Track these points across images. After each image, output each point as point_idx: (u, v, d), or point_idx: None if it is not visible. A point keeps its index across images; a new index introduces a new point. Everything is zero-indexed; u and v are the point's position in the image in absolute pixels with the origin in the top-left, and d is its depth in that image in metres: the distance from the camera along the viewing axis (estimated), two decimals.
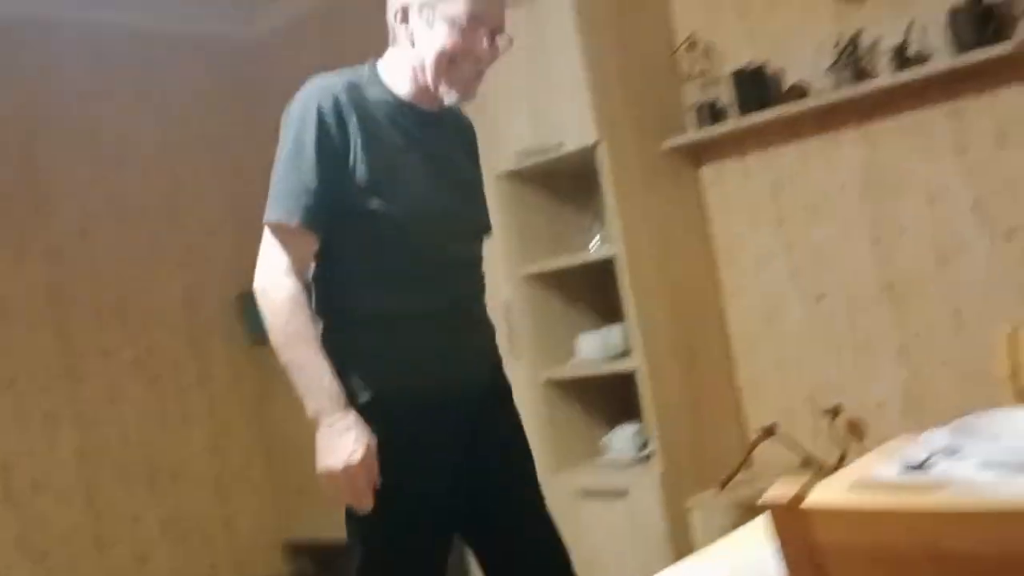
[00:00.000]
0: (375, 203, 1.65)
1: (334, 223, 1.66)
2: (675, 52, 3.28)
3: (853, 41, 2.86)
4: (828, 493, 0.72)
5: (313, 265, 1.72)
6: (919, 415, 2.95)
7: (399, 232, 1.67)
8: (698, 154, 3.31)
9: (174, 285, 4.31)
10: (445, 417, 1.73)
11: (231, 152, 4.54)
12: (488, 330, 1.91)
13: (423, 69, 1.69)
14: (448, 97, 1.70)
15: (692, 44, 3.23)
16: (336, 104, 1.65)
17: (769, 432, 3.06)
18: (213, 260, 4.44)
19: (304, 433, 4.16)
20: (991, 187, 2.76)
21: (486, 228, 1.92)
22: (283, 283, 1.64)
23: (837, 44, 2.88)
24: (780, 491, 0.75)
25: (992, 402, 1.55)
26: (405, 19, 1.70)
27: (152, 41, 4.31)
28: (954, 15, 2.68)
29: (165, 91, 4.38)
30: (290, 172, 1.65)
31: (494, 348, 1.92)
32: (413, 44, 1.69)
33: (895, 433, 3.00)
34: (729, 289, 3.32)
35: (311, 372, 1.62)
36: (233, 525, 4.29)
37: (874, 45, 2.86)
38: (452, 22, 1.64)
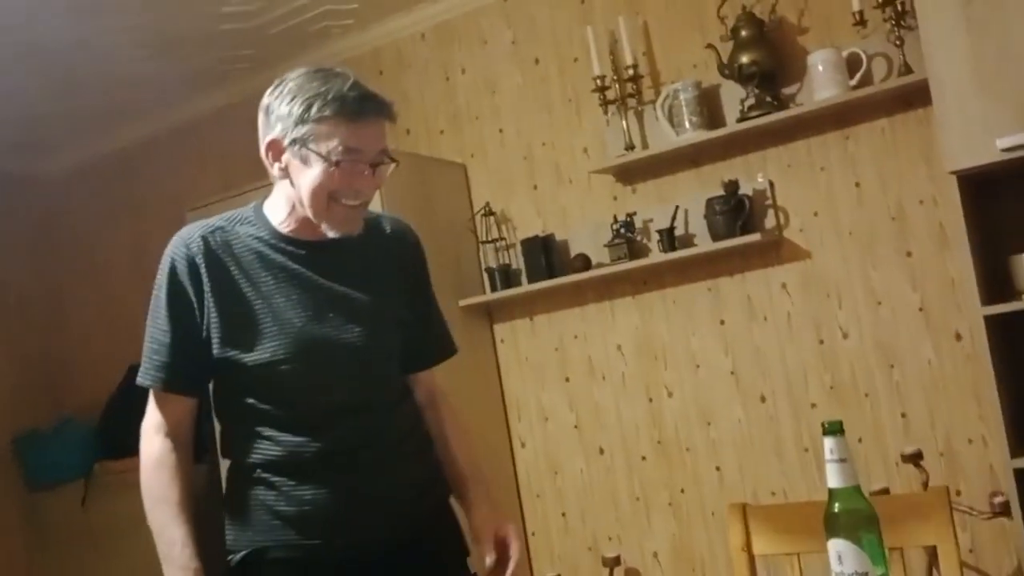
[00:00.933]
0: (233, 352, 1.59)
1: (205, 376, 1.63)
2: (472, 218, 3.51)
3: (628, 221, 3.18)
4: None
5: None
6: (688, 565, 3.18)
7: (263, 378, 1.59)
8: (492, 313, 3.52)
9: None
10: None
11: (15, 289, 4.37)
12: (404, 481, 1.65)
13: (302, 205, 1.59)
14: (331, 233, 1.60)
15: (488, 212, 3.48)
16: (188, 256, 1.61)
17: None
18: None
19: None
20: (745, 356, 3.10)
21: (412, 357, 1.75)
22: (150, 443, 1.62)
23: (615, 223, 3.20)
24: None
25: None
26: (277, 156, 1.59)
27: None
28: (711, 204, 3.05)
29: None
30: (149, 335, 1.63)
31: (415, 500, 1.67)
32: (290, 180, 1.60)
33: None
34: (519, 441, 3.50)
35: (164, 540, 1.58)
36: None
37: (646, 226, 3.20)
38: (327, 158, 1.53)
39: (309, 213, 1.59)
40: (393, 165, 1.61)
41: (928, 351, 2.83)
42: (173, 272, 1.61)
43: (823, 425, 1.21)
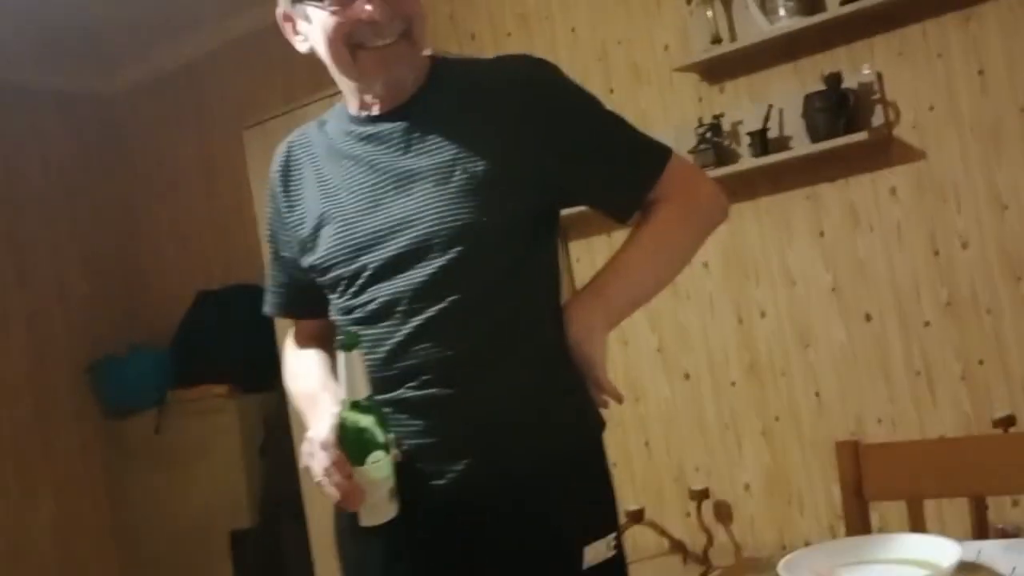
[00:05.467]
0: (307, 259, 1.38)
1: (315, 296, 1.42)
2: None
3: (715, 124, 2.87)
4: None
5: None
6: (783, 498, 2.93)
7: (333, 284, 1.36)
8: (566, 230, 3.27)
9: (19, 352, 4.00)
10: (393, 537, 1.31)
11: (90, 209, 4.30)
12: (490, 423, 1.30)
13: (333, 70, 1.34)
14: (373, 90, 1.33)
15: None
16: (273, 171, 1.45)
17: (637, 518, 3.00)
18: (64, 326, 4.16)
19: (158, 514, 3.90)
20: (847, 270, 2.79)
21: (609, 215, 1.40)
22: (286, 353, 1.52)
23: (700, 126, 2.89)
24: None
25: None
26: (295, 30, 1.36)
27: (3, 93, 4.05)
28: (810, 101, 2.72)
29: (17, 143, 4.12)
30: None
31: (504, 451, 1.30)
32: (315, 49, 1.35)
33: (761, 516, 2.99)
34: None
35: (299, 402, 1.44)
36: None
37: (735, 128, 2.88)
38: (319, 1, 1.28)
39: (342, 76, 1.34)
40: None
41: None
42: (272, 185, 1.45)
43: (341, 340, 1.21)
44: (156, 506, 3.93)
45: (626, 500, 3.16)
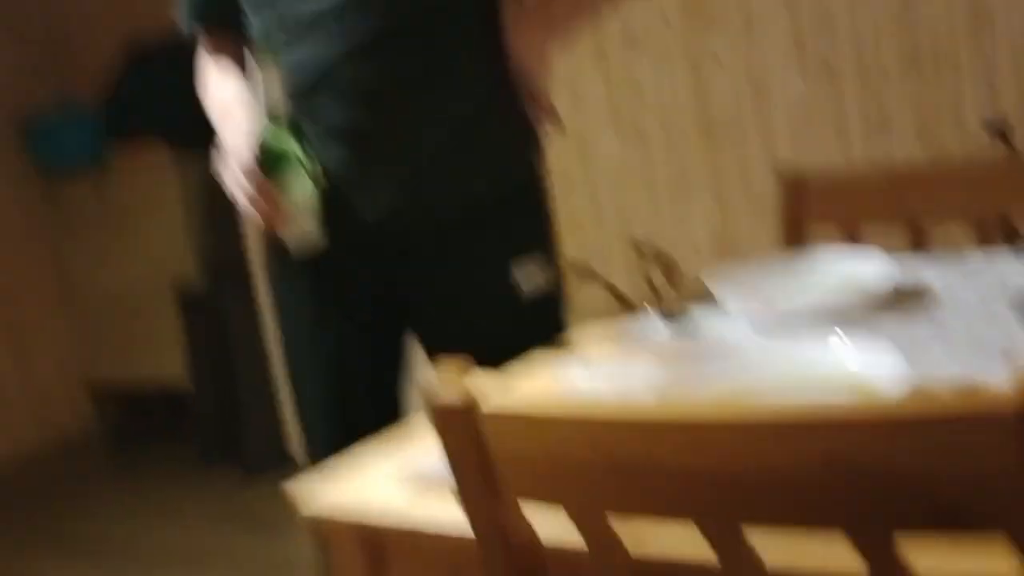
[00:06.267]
0: None
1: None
2: None
3: None
4: (506, 396, 0.59)
5: None
6: (732, 258, 2.93)
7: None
8: None
9: None
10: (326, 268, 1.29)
11: None
12: (421, 139, 1.23)
13: None
14: None
15: None
16: None
17: (581, 276, 3.00)
18: None
19: (103, 275, 3.86)
20: (808, 18, 2.66)
21: None
22: (200, 73, 1.38)
23: None
24: (450, 393, 0.61)
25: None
26: None
27: None
28: None
29: None
30: None
31: (442, 178, 1.26)
32: None
33: None
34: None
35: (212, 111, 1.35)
36: (31, 377, 3.99)
37: None
38: None
39: None
40: None
41: None
42: None
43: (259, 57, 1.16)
44: (101, 268, 3.88)
45: (575, 255, 3.16)
